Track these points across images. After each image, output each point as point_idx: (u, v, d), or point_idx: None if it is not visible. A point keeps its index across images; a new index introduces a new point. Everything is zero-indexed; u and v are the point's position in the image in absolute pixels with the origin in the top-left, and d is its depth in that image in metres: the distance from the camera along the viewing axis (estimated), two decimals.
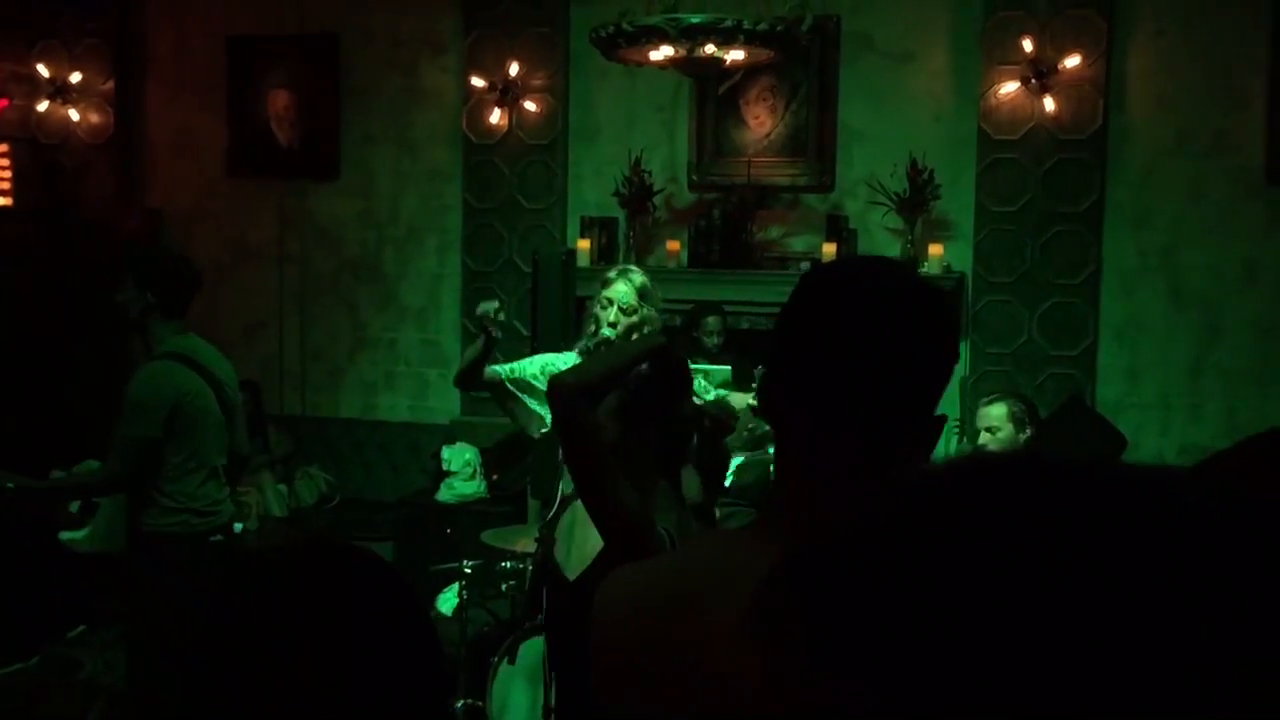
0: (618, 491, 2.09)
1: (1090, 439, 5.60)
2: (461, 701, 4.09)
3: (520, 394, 3.42)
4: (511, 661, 3.73)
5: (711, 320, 5.55)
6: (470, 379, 3.49)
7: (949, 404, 5.15)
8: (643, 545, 2.00)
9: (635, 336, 3.27)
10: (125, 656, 3.91)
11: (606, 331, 3.24)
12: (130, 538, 3.87)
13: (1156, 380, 6.02)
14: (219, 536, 3.83)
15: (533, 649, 3.62)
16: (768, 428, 3.71)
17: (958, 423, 5.43)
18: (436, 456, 6.58)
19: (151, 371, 3.73)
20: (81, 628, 4.81)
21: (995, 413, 3.96)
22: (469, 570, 4.27)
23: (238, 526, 5.68)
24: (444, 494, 6.41)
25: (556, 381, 2.27)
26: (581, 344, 3.34)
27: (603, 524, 2.13)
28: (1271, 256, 5.85)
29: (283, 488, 6.57)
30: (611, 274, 3.37)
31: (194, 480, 3.74)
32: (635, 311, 3.28)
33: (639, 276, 3.36)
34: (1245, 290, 5.90)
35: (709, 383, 3.74)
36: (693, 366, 3.79)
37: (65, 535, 4.95)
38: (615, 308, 3.26)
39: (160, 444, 3.65)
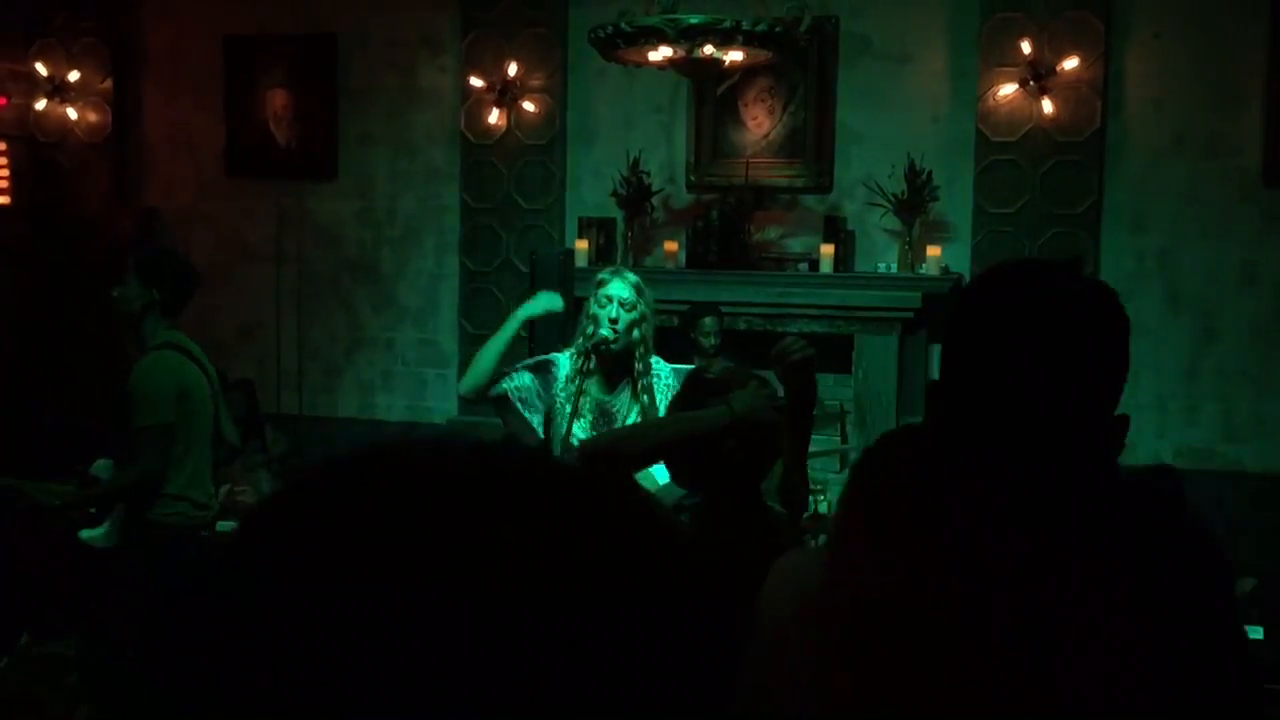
0: None
1: None
2: None
3: (520, 405, 3.40)
4: None
5: (708, 321, 5.53)
6: (490, 385, 3.32)
7: None
8: None
9: (635, 333, 3.27)
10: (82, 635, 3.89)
11: (605, 331, 3.24)
12: (128, 525, 3.88)
13: (1153, 382, 6.02)
14: (206, 533, 3.87)
15: None
16: None
17: None
18: None
19: (155, 361, 3.77)
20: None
21: None
22: None
23: (230, 526, 5.70)
24: None
25: (588, 448, 2.23)
26: (578, 344, 3.33)
27: None
28: (1268, 259, 5.86)
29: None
30: (605, 274, 3.37)
31: (191, 470, 3.81)
32: (635, 307, 3.28)
33: (632, 275, 3.37)
34: (1242, 292, 5.90)
35: None
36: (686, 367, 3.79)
37: (85, 534, 4.95)
38: (615, 304, 3.25)
39: (174, 429, 3.70)
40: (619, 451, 2.19)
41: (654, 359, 3.38)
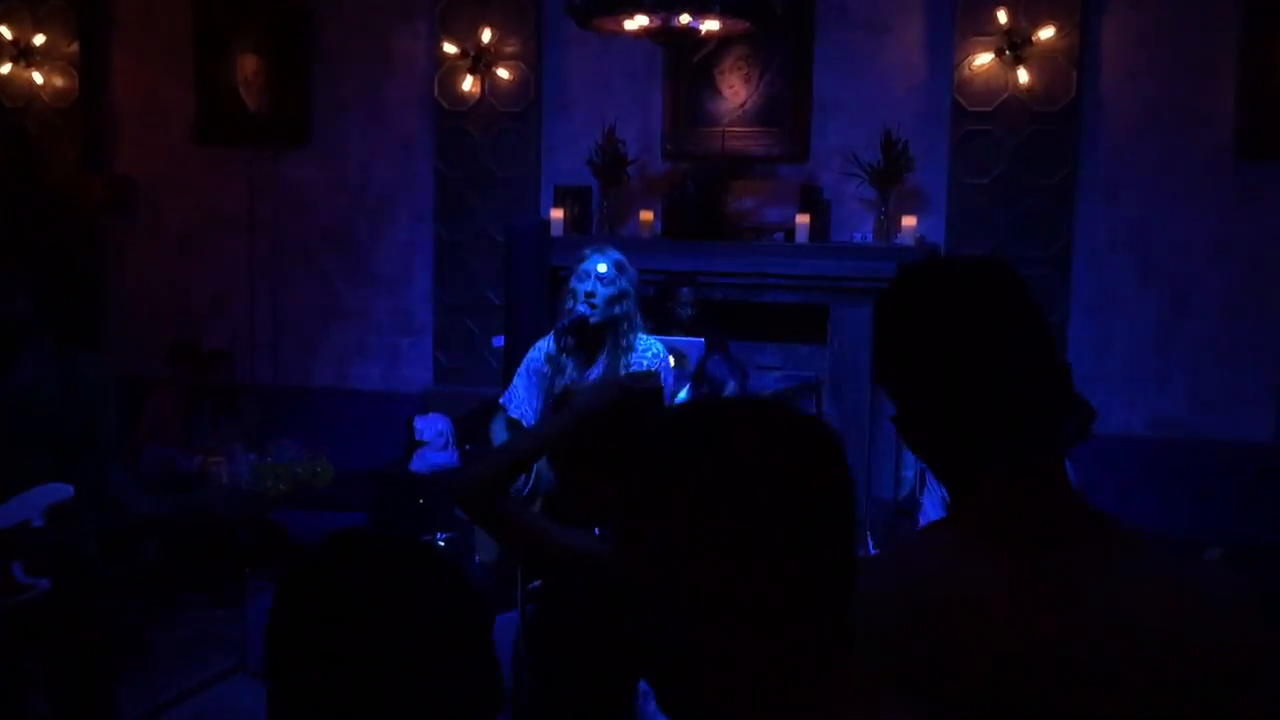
0: (558, 547, 2.12)
1: None
2: None
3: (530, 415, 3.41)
4: None
5: (684, 291, 5.54)
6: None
7: None
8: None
9: (616, 309, 3.27)
10: None
11: (583, 308, 3.24)
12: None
13: (1125, 353, 6.07)
14: None
15: (503, 624, 3.63)
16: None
17: None
18: (409, 426, 6.55)
19: (104, 362, 3.56)
20: None
21: None
22: (442, 543, 4.28)
23: None
24: (417, 464, 6.40)
25: (453, 489, 2.21)
26: (560, 323, 3.33)
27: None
28: (1241, 231, 5.89)
29: (253, 458, 6.52)
30: (587, 250, 3.37)
31: None
32: (614, 282, 3.28)
33: (615, 253, 3.37)
34: (1214, 265, 5.94)
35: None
36: (667, 339, 3.79)
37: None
38: (593, 279, 3.26)
39: None
40: (470, 486, 2.10)
41: (644, 338, 3.37)
